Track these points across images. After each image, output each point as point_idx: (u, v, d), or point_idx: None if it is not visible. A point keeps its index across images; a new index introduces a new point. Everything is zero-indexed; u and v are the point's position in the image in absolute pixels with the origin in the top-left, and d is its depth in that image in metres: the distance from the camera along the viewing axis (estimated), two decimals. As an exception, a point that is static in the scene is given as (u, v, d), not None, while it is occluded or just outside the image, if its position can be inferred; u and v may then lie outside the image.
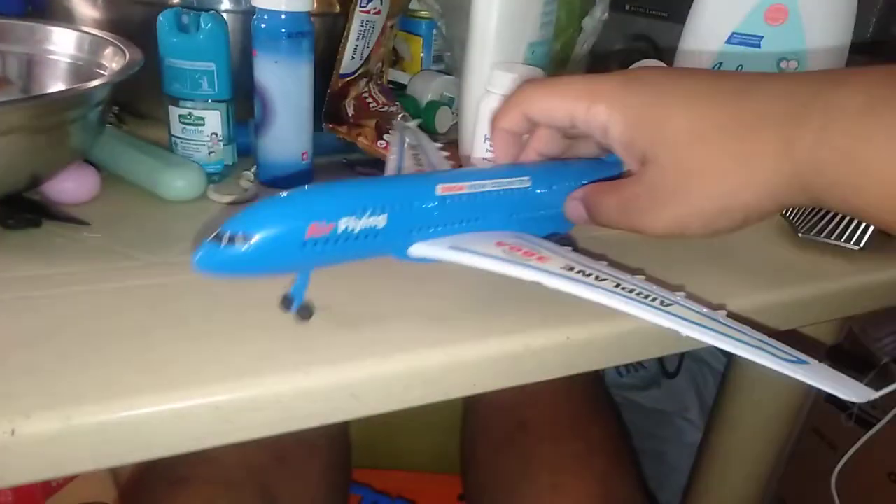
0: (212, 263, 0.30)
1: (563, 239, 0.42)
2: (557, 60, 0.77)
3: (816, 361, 0.31)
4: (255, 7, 0.49)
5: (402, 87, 0.78)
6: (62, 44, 0.50)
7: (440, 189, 0.37)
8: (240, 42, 0.55)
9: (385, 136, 0.60)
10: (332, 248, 0.33)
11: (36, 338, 0.34)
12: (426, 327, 0.38)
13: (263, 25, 0.49)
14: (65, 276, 0.40)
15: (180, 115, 0.52)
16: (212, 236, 0.30)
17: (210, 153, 0.53)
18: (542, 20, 0.58)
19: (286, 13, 0.49)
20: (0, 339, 0.34)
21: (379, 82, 0.69)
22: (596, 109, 0.37)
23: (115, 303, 0.38)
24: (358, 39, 0.58)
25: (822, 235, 0.53)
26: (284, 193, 0.32)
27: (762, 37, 0.60)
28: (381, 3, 0.58)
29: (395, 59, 0.83)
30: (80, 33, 0.50)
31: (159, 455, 0.33)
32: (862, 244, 0.52)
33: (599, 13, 0.72)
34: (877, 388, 0.31)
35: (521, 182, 0.41)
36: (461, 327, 0.38)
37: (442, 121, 0.71)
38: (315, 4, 0.58)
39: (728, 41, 0.61)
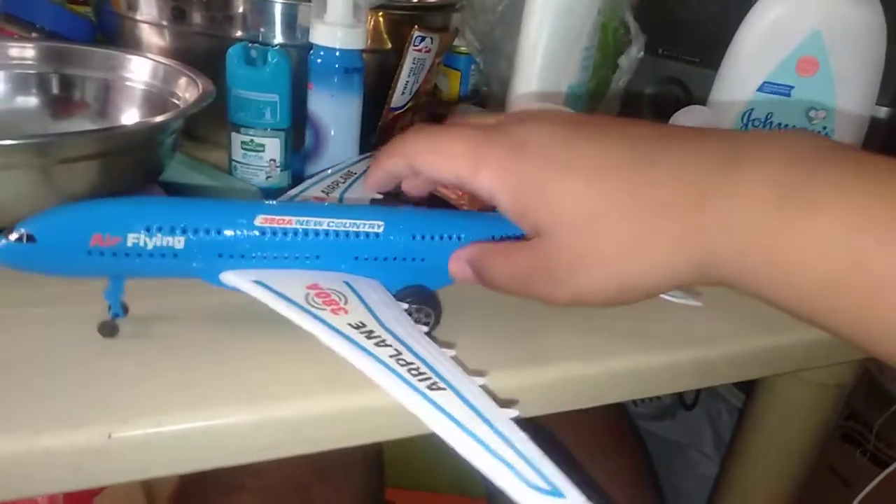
0: (4, 257, 0.32)
1: (417, 294, 0.39)
2: (592, 97, 0.80)
3: (577, 494, 0.26)
4: (311, 43, 0.53)
5: (444, 117, 0.81)
6: (137, 71, 0.54)
7: (260, 220, 0.36)
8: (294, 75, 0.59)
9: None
10: (126, 260, 0.33)
11: (117, 352, 0.37)
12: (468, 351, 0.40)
13: (319, 61, 0.53)
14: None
15: (242, 142, 0.55)
16: (7, 230, 0.32)
17: (268, 177, 0.56)
18: (581, 63, 0.61)
19: (340, 50, 0.52)
20: (88, 352, 0.36)
21: (422, 116, 0.73)
22: (481, 176, 0.35)
23: (189, 320, 0.40)
24: (409, 76, 0.61)
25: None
26: (83, 202, 0.33)
27: (793, 87, 0.63)
28: (432, 43, 0.61)
29: (434, 92, 0.87)
30: (154, 62, 0.54)
31: (230, 463, 0.35)
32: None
33: (635, 51, 0.75)
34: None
35: (372, 227, 0.38)
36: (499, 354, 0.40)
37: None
38: (368, 41, 0.62)
39: (759, 89, 0.64)
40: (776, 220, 0.29)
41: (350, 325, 0.34)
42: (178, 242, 0.34)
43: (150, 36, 0.61)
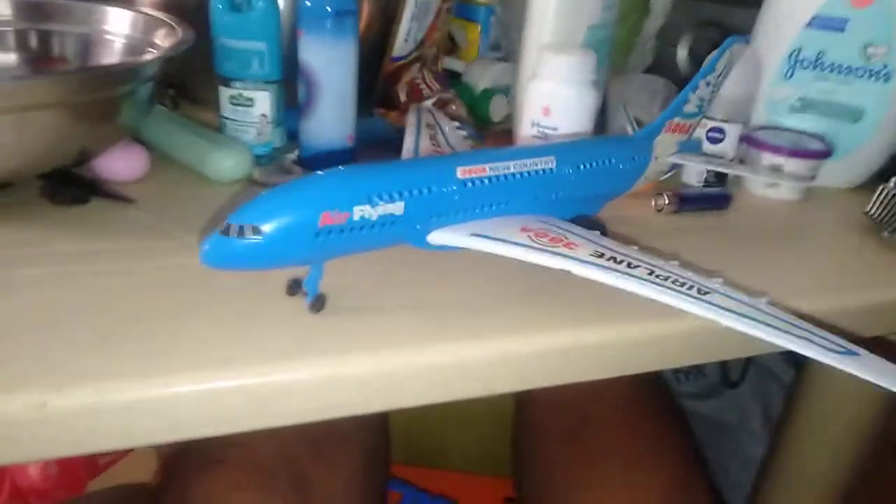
0: (220, 257, 0.29)
1: (590, 222, 0.40)
2: (622, 46, 0.73)
3: (868, 352, 0.29)
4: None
5: (459, 75, 0.75)
6: (117, 24, 0.51)
7: (460, 172, 0.35)
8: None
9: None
10: (347, 237, 0.31)
11: (72, 313, 0.33)
12: (467, 317, 0.36)
13: (308, 3, 0.48)
14: (106, 252, 0.39)
15: (230, 96, 0.51)
16: (220, 228, 0.29)
17: (259, 134, 0.52)
18: (603, 3, 0.55)
19: (333, -9, 0.48)
20: (36, 313, 0.33)
21: (434, 69, 0.68)
22: None
23: (153, 281, 0.37)
24: (411, 21, 0.56)
25: (911, 235, 0.49)
26: (296, 180, 0.30)
27: (847, 20, 0.55)
28: (439, -15, 0.56)
29: (452, 47, 0.81)
30: (134, 13, 0.50)
31: (187, 436, 0.32)
32: (957, 245, 0.47)
33: (667, -4, 0.68)
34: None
35: (546, 163, 0.38)
36: (506, 318, 0.36)
37: (497, 109, 0.68)
38: (369, -15, 0.57)
39: (809, 24, 0.57)
40: None
41: (593, 255, 0.33)
42: (398, 208, 0.32)
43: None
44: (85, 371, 0.29)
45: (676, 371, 1.05)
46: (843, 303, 0.42)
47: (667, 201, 0.51)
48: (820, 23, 0.56)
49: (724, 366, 1.01)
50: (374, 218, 0.31)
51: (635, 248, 0.36)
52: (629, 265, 0.33)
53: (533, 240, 0.35)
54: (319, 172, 0.31)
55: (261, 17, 0.49)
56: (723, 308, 0.31)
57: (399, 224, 0.33)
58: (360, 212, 0.31)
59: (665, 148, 0.47)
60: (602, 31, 0.56)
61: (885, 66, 0.55)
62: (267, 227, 0.29)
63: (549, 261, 0.33)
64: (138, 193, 0.46)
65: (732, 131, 0.56)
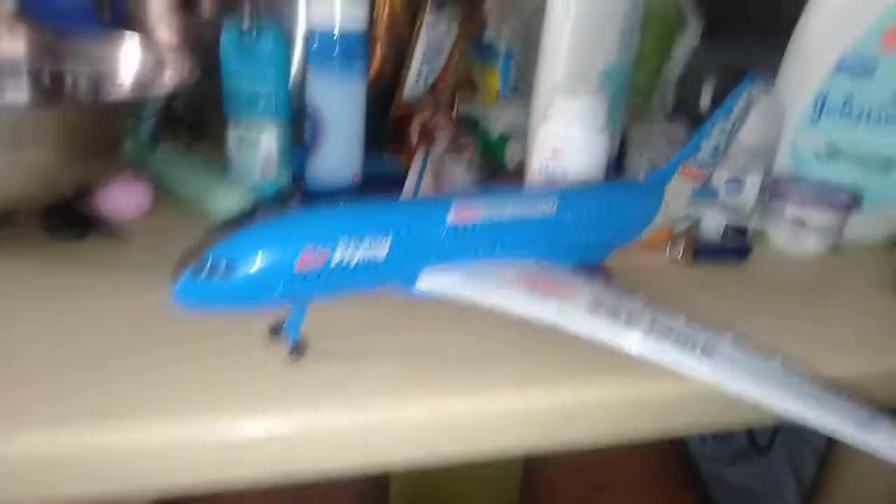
0: (191, 296, 0.27)
1: (594, 270, 0.38)
2: (643, 90, 0.72)
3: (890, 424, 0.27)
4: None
5: (477, 119, 0.75)
6: (128, 61, 0.51)
7: (451, 214, 0.33)
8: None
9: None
10: (328, 278, 0.29)
11: (43, 349, 0.32)
12: (455, 369, 0.34)
13: (316, 44, 0.48)
14: (89, 288, 0.38)
15: (237, 137, 0.51)
16: (193, 265, 0.27)
17: (264, 174, 0.52)
18: (619, 43, 0.54)
19: (340, 32, 0.47)
20: (6, 347, 0.32)
21: (450, 112, 0.67)
22: None
23: (127, 320, 0.36)
24: (423, 63, 0.56)
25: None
26: (276, 218, 0.29)
27: (877, 64, 0.53)
28: (448, 28, 0.56)
29: (473, 91, 0.80)
30: (145, 51, 0.51)
31: (150, 487, 0.30)
32: None
33: (689, 38, 0.67)
34: None
35: (546, 207, 0.37)
36: (497, 371, 0.34)
37: (512, 154, 0.67)
38: (383, 27, 0.57)
39: (837, 68, 0.54)
40: None
41: (589, 306, 0.32)
42: (383, 248, 0.31)
43: (158, 26, 0.59)
44: (37, 415, 0.28)
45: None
46: (862, 369, 0.39)
47: (681, 251, 0.48)
48: (848, 66, 0.54)
49: (750, 431, 0.95)
50: (357, 259, 0.30)
51: (639, 299, 0.33)
52: (628, 319, 0.31)
53: (525, 288, 0.33)
54: (302, 210, 0.30)
55: (268, 58, 0.49)
56: (729, 369, 0.29)
57: (383, 266, 0.31)
58: (342, 252, 0.29)
59: (677, 195, 0.45)
60: (618, 72, 0.55)
61: (919, 115, 0.53)
62: (241, 266, 0.27)
63: (539, 311, 0.31)
64: (140, 228, 0.46)
65: (752, 180, 0.53)
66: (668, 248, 0.49)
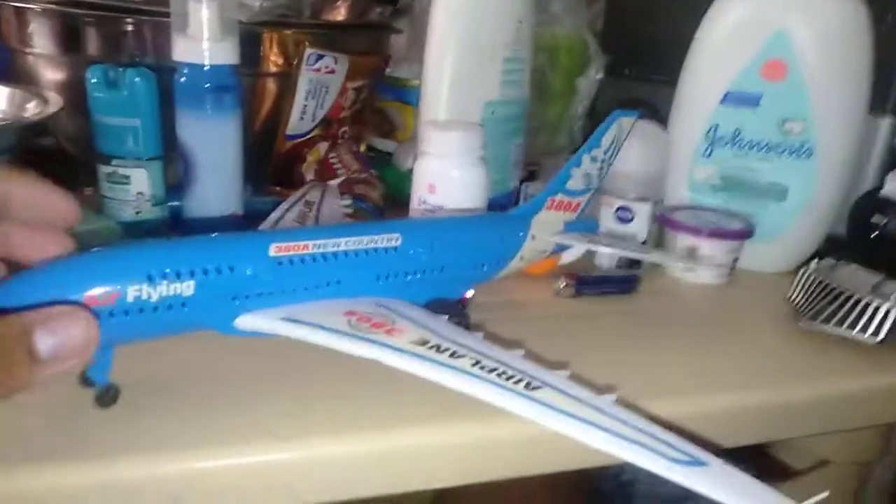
0: None
1: (447, 306, 0.36)
2: (551, 126, 0.71)
3: (720, 462, 0.25)
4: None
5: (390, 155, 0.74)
6: (-4, 100, 0.50)
7: (274, 249, 0.31)
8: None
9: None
10: (122, 321, 0.27)
11: None
12: (283, 413, 0.32)
13: (183, 80, 0.47)
14: None
15: (107, 174, 0.49)
16: None
17: (137, 213, 0.50)
18: (502, 78, 0.53)
19: (209, 66, 0.46)
20: None
21: (355, 149, 0.66)
22: None
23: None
24: (307, 99, 0.55)
25: (831, 324, 0.44)
26: (60, 257, 0.27)
27: (761, 95, 0.53)
28: (336, 63, 0.55)
29: (390, 129, 0.80)
30: (11, 90, 0.49)
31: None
32: (881, 335, 0.42)
33: (594, 73, 0.67)
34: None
35: (390, 240, 0.35)
36: (322, 416, 0.32)
37: (418, 189, 0.66)
38: (269, 63, 0.56)
39: (723, 101, 0.54)
40: None
41: (413, 342, 0.30)
42: (188, 288, 0.28)
43: (43, 70, 0.57)
44: None
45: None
46: (742, 401, 0.37)
47: (563, 284, 0.47)
48: (734, 98, 0.54)
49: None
50: (155, 299, 0.28)
51: (479, 336, 0.32)
52: (452, 354, 0.29)
53: (352, 325, 0.31)
54: (87, 251, 0.28)
55: (134, 93, 0.47)
56: (550, 407, 0.27)
57: (191, 307, 0.29)
58: (136, 292, 0.27)
59: (548, 227, 0.43)
60: (505, 107, 0.54)
61: (805, 143, 0.52)
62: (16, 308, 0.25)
63: (359, 349, 0.29)
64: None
65: (643, 210, 0.52)
66: (552, 281, 0.47)
